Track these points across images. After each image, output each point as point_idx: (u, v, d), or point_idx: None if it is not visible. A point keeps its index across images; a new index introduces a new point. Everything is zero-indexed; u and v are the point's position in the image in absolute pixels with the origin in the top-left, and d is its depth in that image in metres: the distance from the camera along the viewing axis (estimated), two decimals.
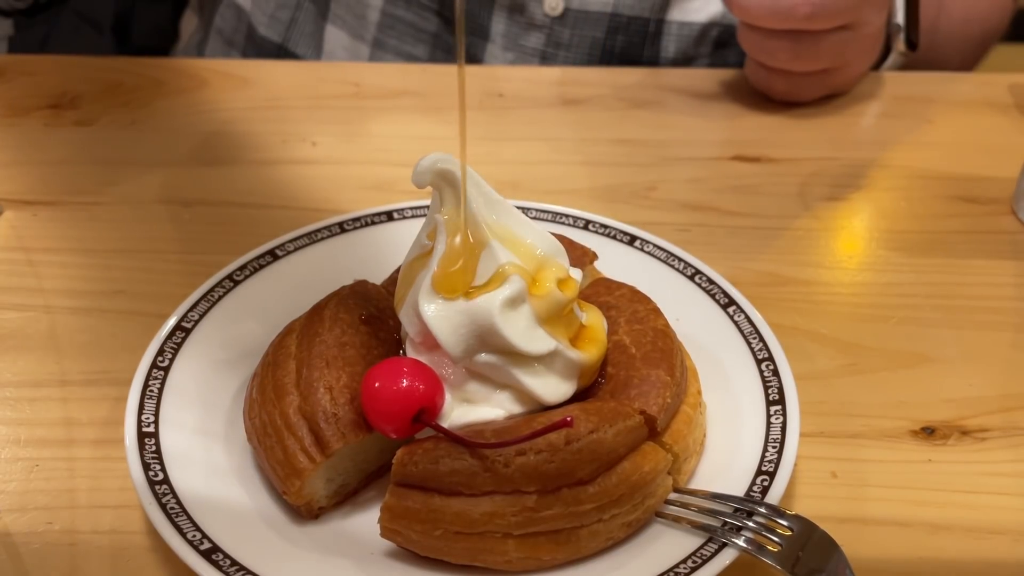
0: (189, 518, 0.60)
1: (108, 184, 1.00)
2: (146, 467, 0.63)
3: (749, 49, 1.10)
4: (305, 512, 0.63)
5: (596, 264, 0.78)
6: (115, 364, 0.78)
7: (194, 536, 0.59)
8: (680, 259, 0.83)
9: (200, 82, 1.19)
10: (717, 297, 0.79)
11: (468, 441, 0.59)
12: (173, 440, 0.65)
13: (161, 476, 0.63)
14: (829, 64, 1.08)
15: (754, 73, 1.13)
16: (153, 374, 0.70)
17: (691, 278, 0.81)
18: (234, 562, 0.58)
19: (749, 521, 0.60)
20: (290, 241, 0.83)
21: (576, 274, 0.66)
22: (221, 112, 1.13)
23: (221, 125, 1.11)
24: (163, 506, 0.60)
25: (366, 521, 0.64)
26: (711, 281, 0.80)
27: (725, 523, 0.61)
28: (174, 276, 0.88)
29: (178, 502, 0.61)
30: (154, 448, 0.64)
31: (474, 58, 1.27)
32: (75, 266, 0.89)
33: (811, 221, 0.99)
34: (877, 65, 1.20)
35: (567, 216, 0.88)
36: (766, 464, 0.64)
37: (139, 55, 1.24)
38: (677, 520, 0.62)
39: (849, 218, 1.00)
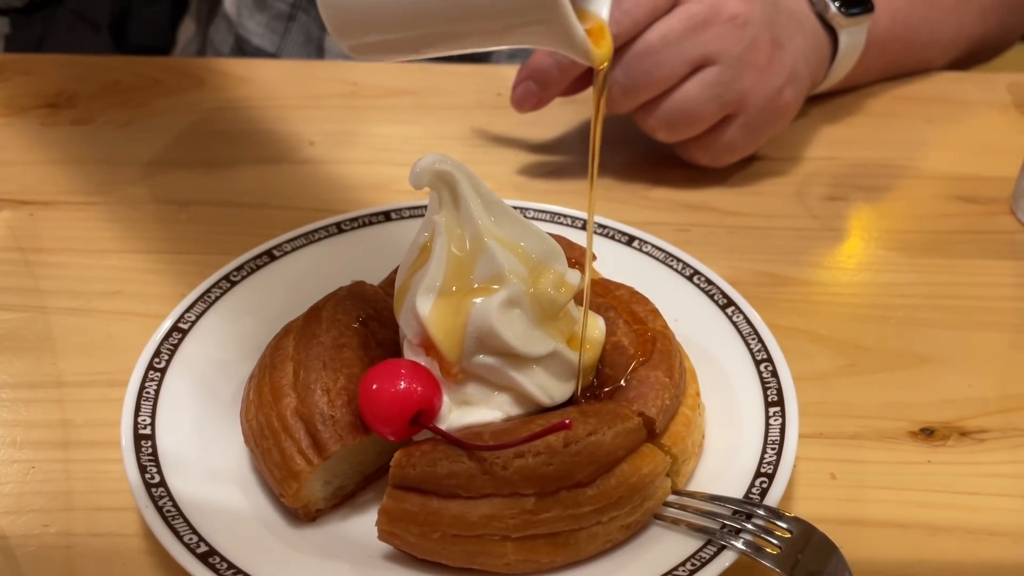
0: (186, 521, 0.60)
1: (105, 184, 1.00)
2: (142, 470, 0.63)
3: (645, 133, 1.00)
4: (303, 515, 0.63)
5: (595, 264, 0.78)
6: (112, 365, 0.77)
7: (191, 539, 0.59)
8: (679, 259, 0.82)
9: (197, 81, 1.18)
10: (716, 298, 0.78)
11: (466, 443, 0.58)
12: (170, 443, 0.65)
13: (157, 479, 0.62)
14: (712, 116, 0.95)
15: (678, 152, 1.02)
16: (149, 376, 0.70)
17: (690, 279, 0.81)
18: (231, 565, 0.57)
19: (748, 523, 0.60)
20: (287, 241, 0.83)
21: (574, 275, 0.65)
22: (218, 111, 1.13)
23: (218, 124, 1.11)
24: (159, 509, 0.60)
25: (364, 524, 0.63)
26: (710, 282, 0.80)
27: (724, 525, 0.60)
28: (171, 276, 0.87)
29: (175, 505, 0.61)
30: (150, 451, 0.64)
31: (477, 56, 1.26)
32: (72, 266, 0.89)
33: (810, 221, 0.98)
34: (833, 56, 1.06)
35: (565, 216, 0.88)
36: (765, 466, 0.64)
37: (136, 54, 1.24)
38: (676, 522, 0.62)
39: (848, 218, 0.99)
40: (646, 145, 1.07)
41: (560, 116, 1.12)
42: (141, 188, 0.99)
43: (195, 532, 0.59)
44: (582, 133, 1.11)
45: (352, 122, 1.12)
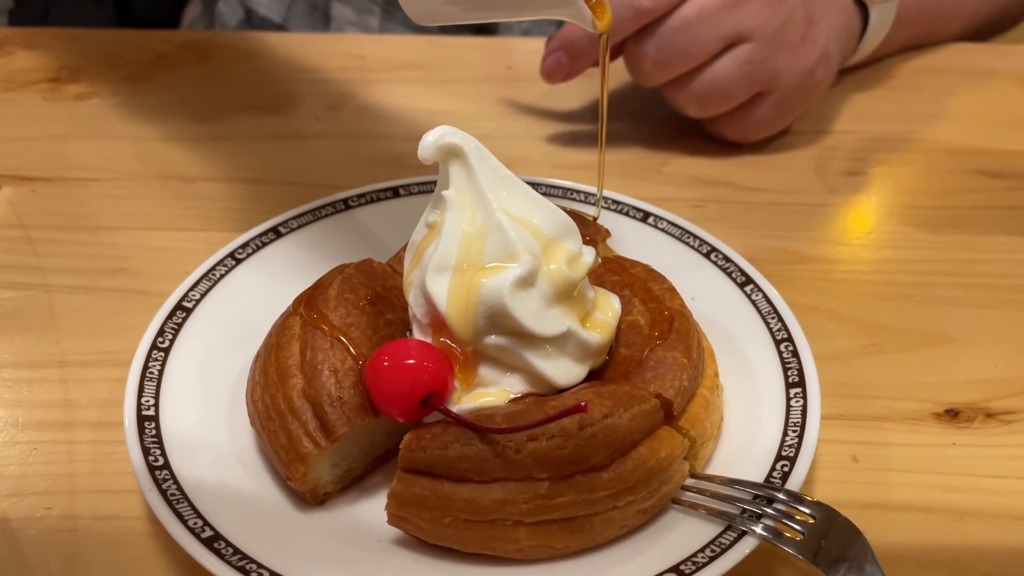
0: (190, 505, 0.58)
1: (108, 159, 0.98)
2: (146, 452, 0.61)
3: (674, 108, 0.99)
4: (310, 498, 0.61)
5: (608, 242, 0.76)
6: (115, 344, 0.76)
7: (195, 524, 0.57)
8: (695, 236, 0.80)
9: (202, 55, 1.16)
10: (734, 275, 0.76)
11: (478, 426, 0.57)
12: (174, 424, 0.64)
13: (161, 461, 0.61)
14: (743, 93, 0.94)
15: (705, 127, 1.02)
16: (153, 355, 0.68)
17: (707, 256, 0.79)
18: (237, 550, 0.56)
19: (769, 508, 0.58)
20: (294, 218, 0.81)
21: (589, 252, 0.63)
22: (223, 86, 1.11)
23: (223, 99, 1.09)
24: (163, 492, 0.59)
25: (373, 508, 0.62)
26: (727, 259, 0.78)
27: (744, 510, 0.58)
28: (175, 254, 0.86)
29: (179, 488, 0.59)
30: (154, 432, 0.63)
31: (487, 28, 1.24)
32: (75, 244, 0.87)
33: (829, 196, 0.96)
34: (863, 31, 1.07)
35: (578, 192, 0.86)
36: (786, 449, 0.62)
37: (141, 28, 1.22)
38: (694, 507, 0.60)
39: (868, 193, 0.97)
40: (660, 119, 1.05)
41: (572, 91, 1.09)
42: (145, 164, 0.98)
43: (200, 516, 0.58)
44: (594, 109, 1.08)
45: (359, 96, 1.10)
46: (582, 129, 1.05)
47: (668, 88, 0.96)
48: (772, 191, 0.96)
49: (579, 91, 1.09)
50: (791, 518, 0.58)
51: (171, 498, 0.58)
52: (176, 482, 0.60)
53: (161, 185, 0.95)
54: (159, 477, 0.60)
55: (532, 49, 1.17)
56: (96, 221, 0.90)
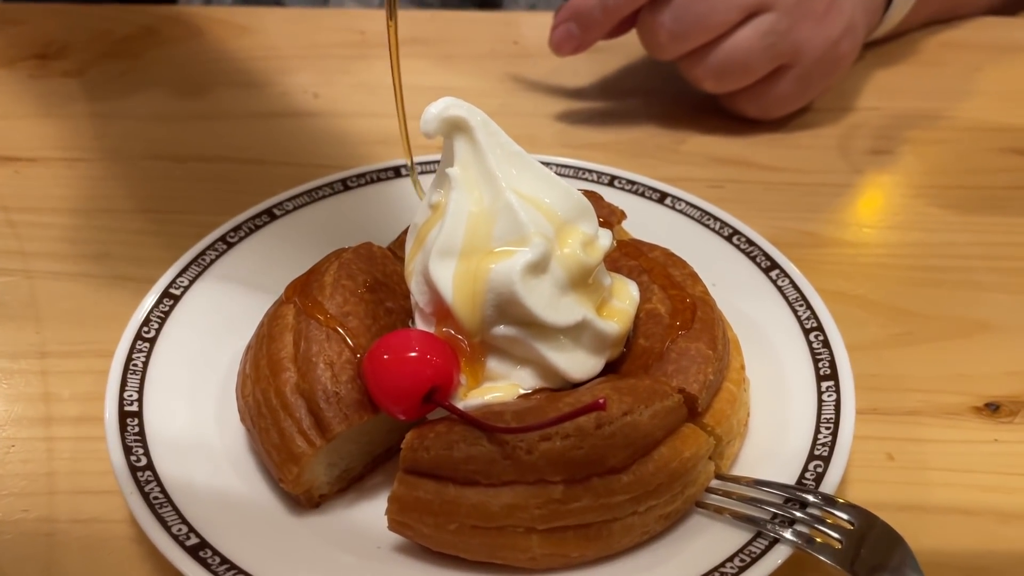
0: (175, 509, 0.54)
1: (96, 139, 0.94)
2: (127, 451, 0.57)
3: (691, 83, 0.94)
4: (304, 501, 0.57)
5: (623, 224, 0.71)
6: (100, 334, 0.72)
7: (180, 530, 0.53)
8: (716, 218, 0.76)
9: (195, 31, 1.12)
10: (758, 260, 0.72)
11: (486, 424, 0.52)
12: (158, 420, 0.59)
13: (144, 461, 0.56)
14: (764, 67, 0.89)
15: (723, 103, 0.97)
16: (137, 346, 0.64)
17: (728, 239, 0.74)
18: (224, 560, 0.51)
19: (802, 512, 0.54)
20: (289, 199, 0.77)
21: (605, 235, 0.59)
22: (217, 62, 1.07)
23: (217, 76, 1.04)
24: (145, 495, 0.54)
25: (372, 511, 0.57)
26: (751, 242, 0.73)
27: (775, 515, 0.54)
28: (165, 238, 0.81)
29: (163, 491, 0.55)
30: (137, 429, 0.58)
31: (491, 2, 1.19)
32: (58, 227, 0.83)
33: (854, 176, 0.92)
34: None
35: (590, 172, 0.81)
36: (819, 448, 0.57)
37: (131, 2, 1.17)
38: (719, 511, 0.56)
39: (894, 173, 0.92)
40: (675, 95, 1.00)
41: (582, 66, 1.05)
42: (134, 143, 0.94)
43: (185, 522, 0.53)
44: (605, 85, 1.04)
45: (359, 73, 1.05)
46: (593, 107, 1.01)
47: (684, 61, 0.91)
48: (794, 171, 0.91)
49: (589, 66, 1.05)
50: (826, 523, 0.53)
51: (154, 502, 0.54)
52: (160, 484, 0.55)
53: (150, 165, 0.91)
54: (141, 479, 0.55)
55: (539, 23, 1.12)
56: (81, 203, 0.86)
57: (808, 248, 0.82)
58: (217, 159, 0.92)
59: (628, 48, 1.05)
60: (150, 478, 0.55)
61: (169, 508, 0.54)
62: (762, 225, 0.80)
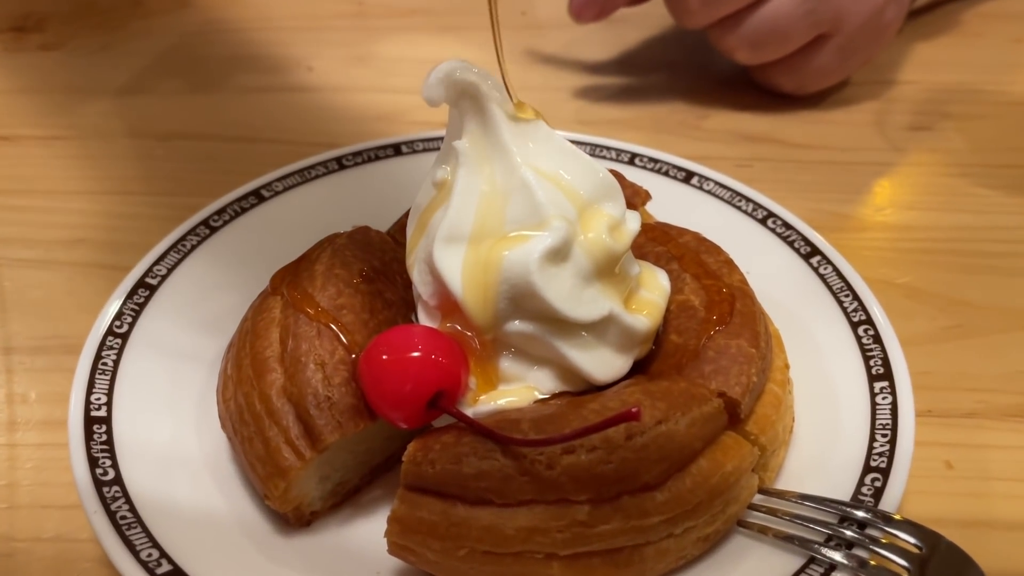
0: (144, 529, 0.48)
1: (74, 116, 0.89)
2: (92, 462, 0.51)
3: (721, 53, 0.88)
4: (293, 519, 0.51)
5: (647, 206, 0.64)
6: (71, 327, 0.67)
7: (150, 555, 0.47)
8: (748, 199, 0.69)
9: (182, 1, 1.06)
10: (796, 245, 0.65)
11: (500, 435, 0.46)
12: (129, 427, 0.54)
13: (111, 474, 0.50)
14: (803, 36, 0.83)
15: (755, 76, 0.91)
16: (108, 342, 0.58)
17: (762, 222, 0.68)
18: None
19: (859, 533, 0.47)
20: (279, 180, 0.71)
21: (633, 217, 0.52)
22: (205, 35, 1.02)
23: (205, 49, 0.99)
24: (111, 514, 0.49)
25: (370, 530, 0.52)
26: (788, 225, 0.67)
27: (830, 537, 0.47)
28: (144, 222, 0.76)
29: (132, 508, 0.49)
30: (104, 437, 0.52)
31: None
32: (30, 210, 0.78)
33: (893, 154, 0.85)
34: None
35: (608, 149, 0.75)
36: (875, 458, 0.51)
37: None
38: (764, 531, 0.50)
39: (937, 151, 0.86)
40: (697, 68, 0.95)
41: (598, 38, 0.98)
42: (114, 120, 0.89)
43: (156, 545, 0.47)
44: (623, 58, 0.99)
45: (357, 45, 1.00)
46: (610, 82, 0.96)
47: (715, 29, 0.85)
48: (828, 148, 0.86)
49: (606, 38, 1.00)
50: (887, 545, 0.47)
51: (121, 521, 0.48)
52: (128, 501, 0.50)
53: (131, 144, 0.86)
54: (107, 494, 0.49)
55: None
56: (55, 184, 0.81)
57: (846, 232, 0.76)
58: (203, 137, 0.87)
59: (647, 18, 1.00)
60: (117, 493, 0.49)
61: (138, 529, 0.48)
62: (795, 207, 0.73)
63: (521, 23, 1.04)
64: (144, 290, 0.61)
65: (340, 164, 0.72)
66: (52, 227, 0.75)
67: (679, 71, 0.95)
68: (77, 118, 0.88)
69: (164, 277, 0.62)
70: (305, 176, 0.71)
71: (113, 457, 0.51)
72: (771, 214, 0.68)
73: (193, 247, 0.64)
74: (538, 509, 0.45)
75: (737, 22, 0.82)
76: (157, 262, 0.63)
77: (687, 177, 0.72)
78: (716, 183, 0.71)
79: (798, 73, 0.86)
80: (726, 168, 0.78)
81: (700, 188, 0.71)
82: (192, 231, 0.65)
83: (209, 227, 0.66)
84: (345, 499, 0.53)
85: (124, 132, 0.86)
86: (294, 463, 0.48)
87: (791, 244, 0.65)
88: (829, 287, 0.62)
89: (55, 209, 0.78)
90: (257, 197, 0.69)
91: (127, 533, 0.47)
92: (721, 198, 0.70)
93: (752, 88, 0.91)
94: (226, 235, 0.66)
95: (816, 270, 0.63)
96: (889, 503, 0.49)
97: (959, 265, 0.73)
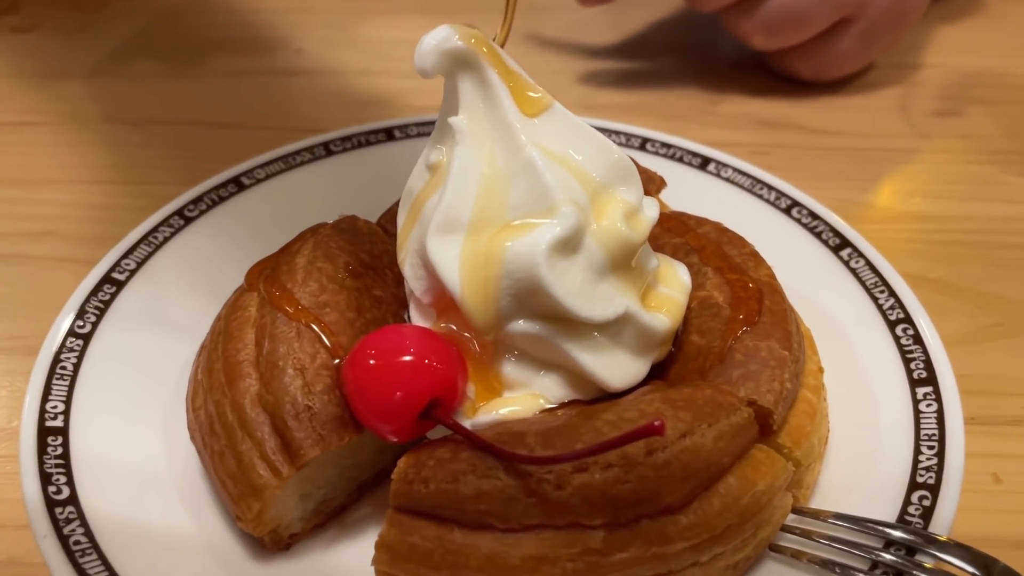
0: (100, 556, 0.43)
1: (46, 100, 0.86)
2: (45, 479, 0.45)
3: (736, 38, 0.84)
4: (270, 543, 0.46)
5: (661, 195, 0.59)
6: (35, 326, 0.62)
7: None
8: (770, 187, 0.65)
9: None
10: (824, 236, 0.60)
11: (502, 450, 0.40)
12: (88, 439, 0.49)
13: (66, 492, 0.45)
14: (824, 20, 0.79)
15: (772, 62, 0.87)
16: (68, 344, 0.53)
17: (786, 211, 0.63)
18: None
19: (907, 559, 0.42)
20: (260, 167, 0.66)
21: (651, 204, 0.46)
22: (187, 16, 0.98)
23: (187, 31, 0.96)
24: (64, 538, 0.43)
25: (357, 555, 0.47)
26: (814, 215, 0.62)
27: (874, 564, 0.42)
28: (117, 213, 0.72)
29: (87, 532, 0.44)
30: (60, 451, 0.47)
31: None
32: None
33: (919, 140, 0.81)
34: None
35: (618, 133, 0.70)
36: (922, 473, 0.46)
37: None
38: (798, 556, 0.44)
39: (965, 137, 0.82)
40: (711, 51, 0.92)
41: (604, 21, 0.95)
42: (89, 105, 0.85)
43: (113, 574, 0.41)
44: (626, 41, 0.96)
45: (347, 26, 0.97)
46: (617, 66, 0.92)
47: (731, 13, 0.81)
48: (850, 134, 0.82)
49: (610, 20, 0.96)
50: (937, 573, 0.41)
51: (74, 547, 0.43)
52: (83, 523, 0.45)
53: (106, 130, 0.82)
54: (60, 515, 0.44)
55: None
56: (24, 173, 0.77)
57: (872, 223, 0.72)
58: (183, 123, 0.83)
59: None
60: (72, 515, 0.45)
61: (93, 556, 0.43)
62: (817, 196, 0.69)
63: (522, 5, 0.97)
64: (110, 286, 0.56)
65: (327, 150, 0.67)
66: (18, 218, 0.71)
67: (689, 54, 0.91)
68: (49, 103, 0.85)
69: (133, 272, 0.57)
70: (289, 163, 0.66)
71: (68, 473, 0.46)
72: (796, 203, 0.63)
73: (166, 239, 0.60)
74: (546, 535, 0.41)
75: (754, 5, 0.78)
76: (125, 255, 0.58)
77: (703, 163, 0.67)
78: (735, 170, 0.66)
79: (818, 59, 0.82)
80: (742, 155, 0.74)
81: (717, 175, 0.66)
82: (165, 221, 0.61)
83: (184, 217, 0.61)
84: (329, 519, 0.48)
85: (98, 117, 0.83)
86: (269, 481, 0.43)
87: (818, 235, 0.60)
88: (862, 282, 0.57)
89: (22, 199, 0.74)
90: (237, 185, 0.64)
91: (80, 561, 0.42)
92: (741, 186, 0.65)
93: (768, 71, 0.87)
94: (202, 226, 0.61)
95: (847, 263, 0.58)
96: (940, 525, 0.44)
97: (995, 259, 0.68)
